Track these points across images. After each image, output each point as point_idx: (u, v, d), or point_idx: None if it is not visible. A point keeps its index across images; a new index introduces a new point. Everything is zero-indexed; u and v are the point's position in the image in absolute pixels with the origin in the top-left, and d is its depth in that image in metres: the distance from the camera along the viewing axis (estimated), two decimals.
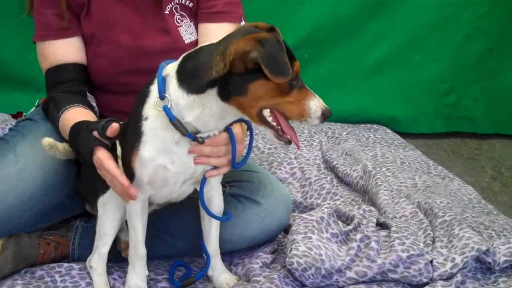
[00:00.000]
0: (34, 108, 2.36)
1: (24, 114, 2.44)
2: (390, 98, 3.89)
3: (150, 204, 1.90)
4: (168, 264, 2.10)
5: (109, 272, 1.98)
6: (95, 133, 1.76)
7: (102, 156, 1.72)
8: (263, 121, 1.59)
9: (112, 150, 1.77)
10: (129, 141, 1.71)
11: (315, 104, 1.57)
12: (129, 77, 2.08)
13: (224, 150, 1.73)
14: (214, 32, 2.05)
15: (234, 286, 1.91)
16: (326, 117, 1.59)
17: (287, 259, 1.92)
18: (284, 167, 2.85)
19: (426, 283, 1.96)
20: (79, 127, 1.84)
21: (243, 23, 2.20)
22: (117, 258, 2.04)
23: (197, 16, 2.13)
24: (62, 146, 1.92)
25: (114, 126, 1.72)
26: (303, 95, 1.58)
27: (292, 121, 1.62)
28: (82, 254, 2.07)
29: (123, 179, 1.69)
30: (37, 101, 2.38)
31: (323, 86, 3.76)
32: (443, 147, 3.81)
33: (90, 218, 2.14)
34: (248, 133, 1.85)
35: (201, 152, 1.69)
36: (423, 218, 2.30)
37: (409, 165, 3.07)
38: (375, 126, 3.79)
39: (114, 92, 2.15)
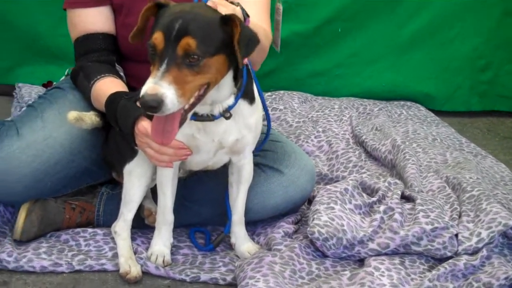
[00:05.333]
0: (63, 77, 2.39)
1: (54, 83, 2.47)
2: (424, 75, 3.80)
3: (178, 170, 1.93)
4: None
5: (132, 238, 2.00)
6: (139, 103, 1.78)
7: (147, 125, 1.73)
8: None
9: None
10: None
11: (144, 87, 1.46)
12: None
13: None
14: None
15: (255, 254, 1.91)
16: (142, 106, 1.45)
17: (309, 229, 1.91)
18: (312, 140, 2.83)
19: (450, 257, 1.93)
20: (119, 97, 1.87)
21: None
22: (141, 225, 2.07)
23: None
24: (88, 117, 1.95)
25: None
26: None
27: None
28: (106, 220, 2.10)
29: (176, 142, 1.70)
30: (67, 70, 2.41)
31: (356, 61, 3.76)
32: (478, 126, 3.72)
33: (116, 185, 2.17)
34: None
35: None
36: (450, 193, 2.26)
37: (441, 141, 3.02)
38: (408, 103, 3.73)
39: (143, 61, 2.11)
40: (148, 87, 1.43)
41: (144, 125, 1.75)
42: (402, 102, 3.74)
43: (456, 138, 3.14)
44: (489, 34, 3.76)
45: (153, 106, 1.42)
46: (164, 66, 1.44)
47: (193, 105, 1.56)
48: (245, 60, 1.66)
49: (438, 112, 3.70)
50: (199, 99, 1.56)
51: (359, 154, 2.76)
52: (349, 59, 3.76)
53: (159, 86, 1.42)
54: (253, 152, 1.94)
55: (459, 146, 3.01)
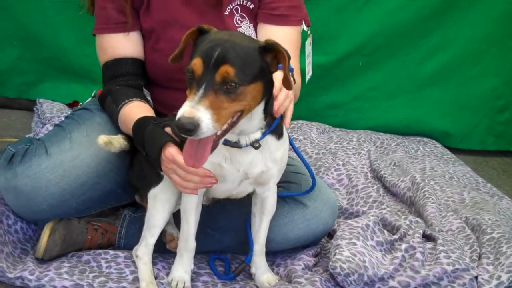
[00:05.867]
0: (90, 98, 2.42)
1: (80, 103, 2.50)
2: (442, 112, 3.83)
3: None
4: None
5: (153, 262, 2.01)
6: (168, 129, 1.80)
7: (174, 152, 1.75)
8: None
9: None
10: None
11: (180, 110, 1.47)
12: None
13: (291, 96, 1.74)
14: (275, 34, 2.06)
15: (276, 286, 1.92)
16: (178, 128, 1.45)
17: (330, 263, 1.92)
18: (332, 173, 2.85)
19: None
20: (147, 122, 1.88)
21: (304, 26, 2.21)
22: (162, 249, 2.08)
23: (257, 16, 2.15)
24: (117, 141, 1.96)
25: None
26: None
27: None
28: (127, 242, 2.11)
29: (201, 170, 1.72)
30: (94, 92, 2.43)
31: (375, 95, 3.77)
32: (493, 165, 3.73)
33: (138, 208, 2.18)
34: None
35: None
36: (470, 234, 2.27)
37: (458, 180, 3.03)
38: (424, 139, 3.75)
39: (171, 88, 2.17)
40: (185, 110, 1.44)
41: (171, 151, 1.76)
42: (418, 138, 3.76)
43: (473, 177, 3.14)
44: (509, 75, 3.79)
45: (189, 129, 1.43)
46: (201, 91, 1.46)
47: (225, 132, 1.57)
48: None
49: (453, 149, 3.72)
50: (232, 125, 1.58)
51: (378, 189, 2.77)
52: (367, 92, 3.79)
53: (196, 110, 1.44)
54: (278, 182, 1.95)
55: (476, 185, 3.02)
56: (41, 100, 3.52)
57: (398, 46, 3.72)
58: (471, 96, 3.83)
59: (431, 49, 3.75)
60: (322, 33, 3.55)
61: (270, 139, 1.75)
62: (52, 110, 3.31)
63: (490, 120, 3.87)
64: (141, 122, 1.90)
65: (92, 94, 2.44)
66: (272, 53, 1.58)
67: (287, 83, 1.61)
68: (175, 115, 1.46)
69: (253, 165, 1.77)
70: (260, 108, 1.65)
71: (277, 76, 1.66)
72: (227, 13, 2.11)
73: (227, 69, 1.48)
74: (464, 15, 3.67)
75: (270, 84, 1.63)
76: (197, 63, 1.49)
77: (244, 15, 2.13)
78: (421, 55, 3.75)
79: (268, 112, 1.69)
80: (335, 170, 2.87)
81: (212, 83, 1.47)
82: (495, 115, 3.86)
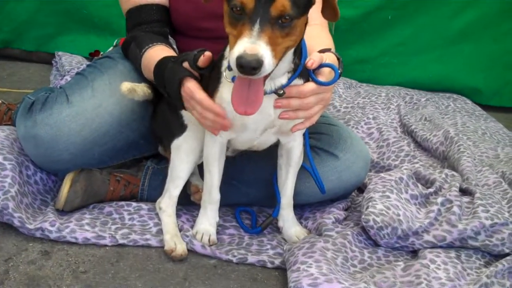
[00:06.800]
0: (112, 47, 2.35)
1: (102, 53, 2.43)
2: (473, 68, 3.71)
3: (227, 149, 1.86)
4: None
5: (177, 215, 1.95)
6: (186, 64, 1.72)
7: (192, 87, 1.67)
8: None
9: (201, 83, 1.71)
10: (213, 80, 1.67)
11: (237, 47, 1.36)
12: (211, 22, 2.01)
13: (313, 101, 1.65)
14: None
15: (305, 239, 1.84)
16: (241, 66, 1.34)
17: (363, 216, 1.84)
18: (362, 127, 2.77)
19: (507, 254, 1.85)
20: (167, 61, 1.80)
21: None
22: (187, 201, 2.02)
23: None
24: (141, 88, 1.89)
25: (207, 55, 1.67)
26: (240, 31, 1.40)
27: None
28: (151, 195, 2.05)
29: (217, 107, 1.63)
30: (115, 40, 2.37)
31: (404, 50, 3.68)
32: None
33: (161, 160, 2.12)
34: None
35: (289, 106, 1.63)
36: (507, 189, 2.17)
37: (491, 136, 2.94)
38: (454, 95, 3.65)
39: (195, 37, 2.09)
40: (247, 47, 1.34)
41: (190, 86, 1.68)
42: (448, 94, 3.66)
43: (506, 133, 3.05)
44: None
45: (255, 67, 1.34)
46: (257, 26, 1.36)
47: (272, 71, 1.47)
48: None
49: (484, 107, 3.60)
50: (277, 64, 1.48)
51: (409, 144, 2.68)
52: (396, 47, 3.68)
53: (258, 46, 1.35)
54: (309, 133, 1.86)
55: (509, 141, 2.92)
56: (59, 53, 3.45)
57: (427, 1, 3.59)
58: (502, 52, 3.69)
59: (462, 4, 3.61)
60: None
61: (297, 83, 1.65)
62: (71, 62, 3.25)
63: None
64: (162, 62, 1.82)
65: (114, 43, 2.38)
66: None
67: (333, 13, 1.52)
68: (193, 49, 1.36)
69: (277, 112, 1.67)
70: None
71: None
72: None
73: (284, 2, 1.38)
74: None
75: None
76: None
77: None
78: (452, 9, 3.62)
79: (297, 53, 1.59)
80: (365, 124, 2.79)
81: (267, 17, 1.38)
82: None
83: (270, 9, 1.38)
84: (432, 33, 3.66)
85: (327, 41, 1.95)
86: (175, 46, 2.09)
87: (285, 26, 1.40)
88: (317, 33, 1.88)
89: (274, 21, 1.39)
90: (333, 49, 1.80)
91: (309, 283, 1.58)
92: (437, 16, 3.63)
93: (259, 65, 1.34)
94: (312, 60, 1.61)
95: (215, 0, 1.66)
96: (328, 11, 1.53)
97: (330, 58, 1.71)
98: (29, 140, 1.94)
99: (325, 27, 2.00)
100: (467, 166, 2.31)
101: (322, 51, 1.71)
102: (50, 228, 1.82)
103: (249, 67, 1.33)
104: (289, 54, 1.56)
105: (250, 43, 1.34)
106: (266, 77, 1.47)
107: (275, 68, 1.48)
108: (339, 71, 1.70)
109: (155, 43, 1.95)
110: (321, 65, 1.64)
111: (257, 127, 1.71)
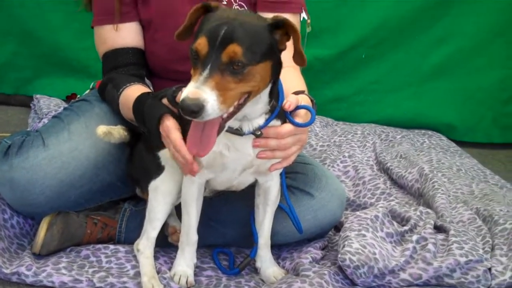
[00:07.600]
0: (88, 90, 2.36)
1: (78, 96, 2.44)
2: (447, 104, 3.77)
3: (204, 189, 1.87)
4: None
5: (155, 257, 1.93)
6: (165, 100, 1.74)
7: (170, 125, 1.69)
8: None
9: (179, 119, 1.72)
10: (187, 120, 1.68)
11: (185, 90, 1.39)
12: (186, 65, 2.00)
13: (290, 142, 1.68)
14: None
15: (283, 279, 1.85)
16: (182, 109, 1.37)
17: (340, 256, 1.85)
18: (338, 165, 2.80)
19: None
20: (146, 97, 1.82)
21: (303, 13, 2.16)
22: (164, 243, 2.01)
23: (256, 5, 2.09)
24: (117, 131, 1.91)
25: None
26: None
27: None
28: (128, 237, 2.05)
29: (187, 154, 1.64)
30: (92, 83, 2.38)
31: (379, 88, 3.73)
32: (500, 158, 3.66)
33: (139, 201, 2.11)
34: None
35: (266, 145, 1.65)
36: (481, 225, 2.20)
37: (466, 172, 2.97)
38: (429, 132, 3.70)
39: (171, 79, 2.10)
40: (190, 91, 1.37)
41: (168, 124, 1.70)
42: (423, 131, 3.71)
43: (480, 169, 3.09)
44: None
45: (194, 111, 1.36)
46: (207, 71, 1.39)
47: (232, 114, 1.50)
48: None
49: (458, 143, 3.66)
50: (238, 108, 1.50)
51: (385, 181, 2.71)
52: (371, 85, 3.74)
53: (201, 90, 1.37)
54: (285, 173, 1.89)
55: (484, 177, 2.96)
56: (38, 96, 3.46)
57: (401, 38, 3.68)
58: (476, 88, 3.77)
59: (435, 41, 3.70)
60: (323, 26, 3.50)
61: (275, 124, 1.68)
62: (49, 105, 3.26)
63: (495, 113, 3.81)
64: (141, 98, 1.84)
65: (91, 86, 2.39)
66: (281, 30, 1.51)
67: (300, 59, 1.55)
68: (172, 86, 1.39)
69: (256, 152, 1.69)
70: (266, 91, 1.58)
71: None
72: (225, 2, 2.05)
73: (234, 49, 1.40)
74: (469, 5, 3.62)
75: (279, 64, 1.56)
76: (201, 42, 1.42)
77: (243, 3, 2.08)
78: (425, 47, 3.70)
79: (273, 95, 1.62)
80: (341, 162, 2.81)
81: (218, 63, 1.40)
82: (500, 107, 3.80)
83: (221, 55, 1.41)
84: (406, 71, 3.74)
85: (300, 83, 1.98)
86: (151, 88, 2.11)
87: (237, 72, 1.42)
88: (290, 76, 1.91)
89: (224, 67, 1.41)
90: (306, 91, 1.83)
91: None
92: (411, 53, 3.71)
93: (198, 109, 1.36)
94: (289, 102, 1.64)
95: (189, 43, 1.69)
96: (296, 56, 1.56)
97: (304, 100, 1.74)
98: (5, 184, 1.94)
99: (297, 69, 2.03)
100: (442, 203, 2.33)
101: (296, 93, 1.74)
102: (27, 273, 1.81)
103: (189, 110, 1.36)
104: (264, 96, 1.59)
105: (194, 88, 1.37)
106: (225, 120, 1.49)
107: (250, 109, 1.51)
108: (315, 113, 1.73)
109: (132, 83, 1.97)
110: (298, 107, 1.67)
111: (236, 167, 1.72)
